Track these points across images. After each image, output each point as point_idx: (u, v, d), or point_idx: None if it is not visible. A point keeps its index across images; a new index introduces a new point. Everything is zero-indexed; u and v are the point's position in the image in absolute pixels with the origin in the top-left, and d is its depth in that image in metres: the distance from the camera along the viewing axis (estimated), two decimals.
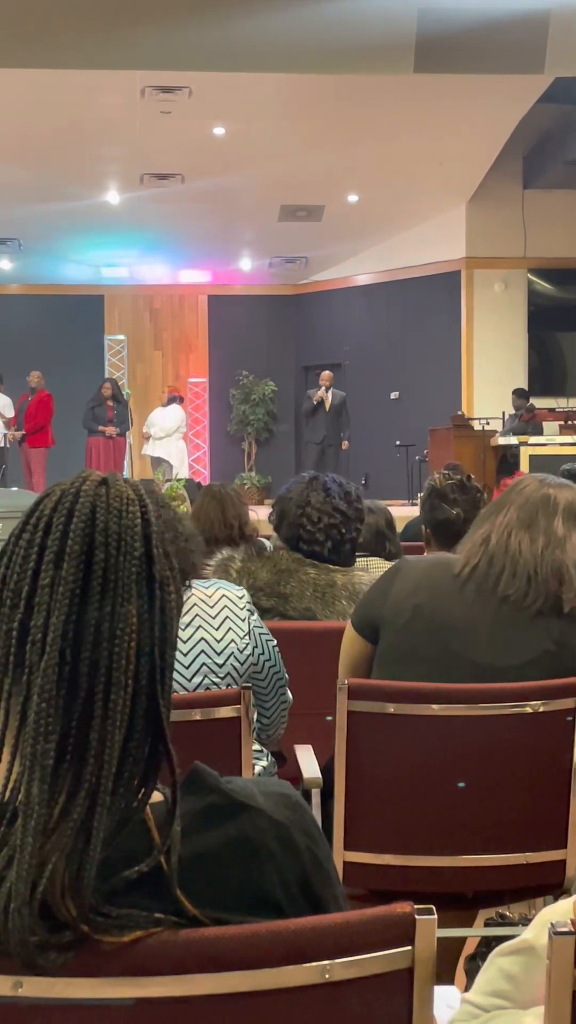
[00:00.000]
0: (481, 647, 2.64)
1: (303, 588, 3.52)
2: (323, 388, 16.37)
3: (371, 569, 4.22)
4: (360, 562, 4.25)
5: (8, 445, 16.15)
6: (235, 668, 2.75)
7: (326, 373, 16.66)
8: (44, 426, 15.93)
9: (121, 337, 19.23)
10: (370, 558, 4.46)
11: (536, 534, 2.65)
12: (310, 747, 3.05)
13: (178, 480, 14.18)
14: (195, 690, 2.70)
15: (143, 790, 1.21)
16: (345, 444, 16.42)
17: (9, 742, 1.19)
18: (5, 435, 16.12)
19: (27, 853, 1.13)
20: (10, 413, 16.29)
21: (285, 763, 3.18)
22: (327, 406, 16.28)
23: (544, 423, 14.78)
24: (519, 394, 15.53)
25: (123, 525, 1.23)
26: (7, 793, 1.18)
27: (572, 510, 2.70)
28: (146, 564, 1.24)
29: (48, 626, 1.19)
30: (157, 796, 1.23)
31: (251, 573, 3.42)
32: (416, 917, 1.21)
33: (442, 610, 2.67)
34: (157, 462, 17.03)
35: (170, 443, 17.14)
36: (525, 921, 3.20)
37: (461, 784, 2.55)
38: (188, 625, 2.71)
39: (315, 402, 16.39)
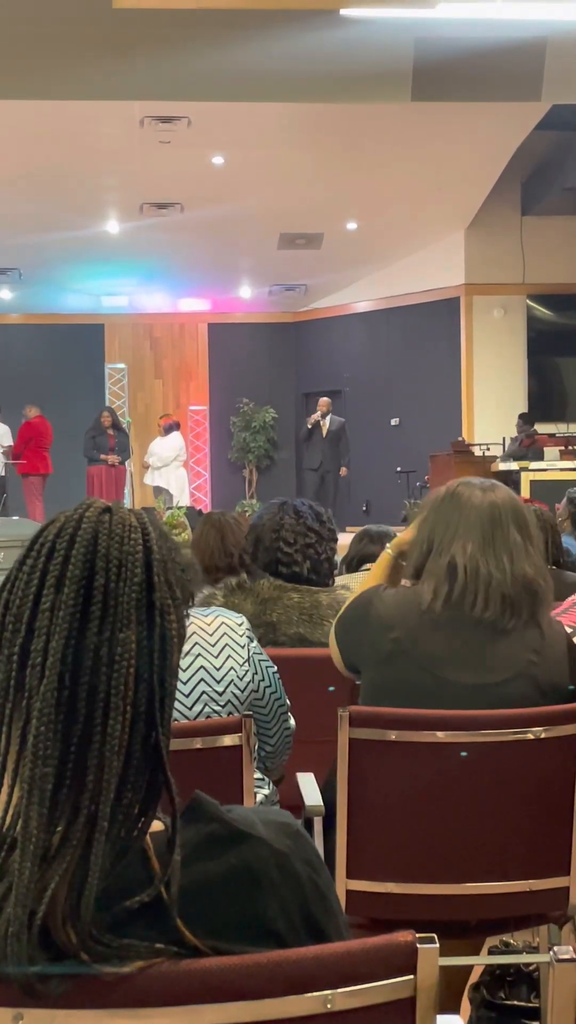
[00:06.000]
0: (465, 669, 2.65)
1: (289, 614, 3.53)
2: (318, 414, 16.40)
3: None
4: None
5: (6, 474, 16.21)
6: (235, 696, 2.75)
7: (323, 399, 16.70)
8: (22, 454, 15.94)
9: (121, 366, 19.28)
10: None
11: (499, 552, 2.67)
12: (311, 775, 3.04)
13: (179, 508, 14.18)
14: (196, 718, 2.69)
15: (143, 819, 1.21)
16: (344, 471, 16.44)
17: (10, 768, 1.19)
18: (6, 464, 16.17)
19: (25, 878, 1.13)
20: (8, 441, 16.36)
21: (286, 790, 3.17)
22: (324, 432, 16.31)
23: (545, 448, 14.79)
24: (524, 419, 15.55)
25: (124, 552, 1.24)
26: (7, 819, 1.18)
27: (519, 516, 2.73)
28: (146, 591, 1.24)
29: (48, 650, 1.19)
30: (157, 825, 1.23)
31: (235, 607, 3.41)
32: (418, 946, 1.21)
33: (421, 641, 2.67)
34: (158, 491, 17.05)
35: (169, 472, 17.16)
36: (530, 949, 3.19)
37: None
38: (188, 654, 2.71)
39: (309, 427, 16.44)
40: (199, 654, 2.73)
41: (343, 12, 9.23)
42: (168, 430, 17.31)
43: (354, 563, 5.16)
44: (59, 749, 1.17)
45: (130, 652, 1.21)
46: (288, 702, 2.97)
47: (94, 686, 1.19)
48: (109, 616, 1.21)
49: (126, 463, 16.80)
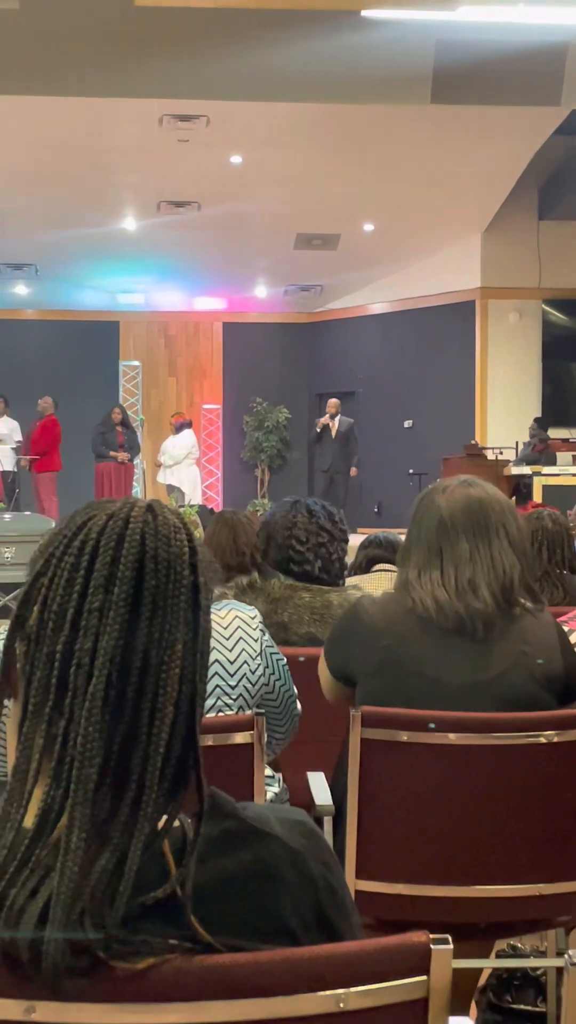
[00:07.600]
0: (460, 669, 2.64)
1: (300, 613, 3.53)
2: (328, 415, 16.42)
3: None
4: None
5: (18, 470, 16.21)
6: (247, 690, 2.75)
7: (332, 401, 16.72)
8: (48, 451, 15.96)
9: (136, 363, 19.29)
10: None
11: (479, 566, 2.66)
12: (322, 774, 3.04)
13: (190, 506, 14.19)
14: (207, 713, 2.69)
15: (168, 817, 1.21)
16: (353, 471, 16.43)
17: (46, 767, 1.18)
18: (18, 460, 16.17)
19: (67, 879, 1.12)
20: (18, 437, 16.36)
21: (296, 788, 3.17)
22: (333, 433, 16.32)
23: (558, 453, 14.78)
24: (539, 423, 15.53)
25: (172, 553, 1.24)
26: (39, 816, 1.17)
27: (491, 513, 2.72)
28: (193, 592, 1.24)
29: (96, 650, 1.18)
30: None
31: None
32: (432, 947, 1.20)
33: (411, 646, 2.67)
34: (170, 489, 17.04)
35: (181, 470, 17.15)
36: (538, 953, 3.18)
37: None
38: None
39: (318, 429, 16.46)
40: (213, 647, 2.73)
41: (364, 13, 9.23)
42: (180, 428, 17.30)
43: (363, 565, 5.16)
44: (103, 749, 1.17)
45: (177, 653, 1.21)
46: (295, 690, 2.97)
47: (141, 687, 1.19)
48: (158, 617, 1.21)
49: (135, 460, 16.79)
